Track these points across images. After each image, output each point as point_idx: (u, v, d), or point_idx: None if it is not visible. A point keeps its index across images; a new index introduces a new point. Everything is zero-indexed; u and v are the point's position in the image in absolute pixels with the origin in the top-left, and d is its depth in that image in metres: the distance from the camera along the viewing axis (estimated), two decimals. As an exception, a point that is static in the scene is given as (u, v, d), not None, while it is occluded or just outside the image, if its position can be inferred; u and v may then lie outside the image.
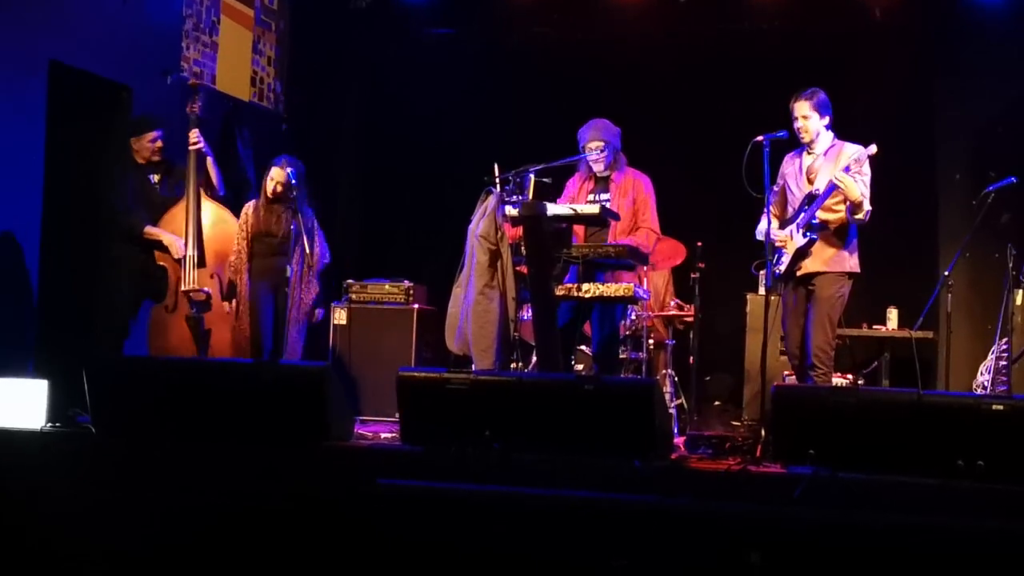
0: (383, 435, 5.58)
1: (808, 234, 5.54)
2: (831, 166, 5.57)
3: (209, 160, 6.58)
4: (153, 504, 4.45)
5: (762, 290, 6.62)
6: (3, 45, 5.98)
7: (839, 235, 5.57)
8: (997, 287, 6.62)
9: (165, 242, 6.41)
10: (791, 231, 5.61)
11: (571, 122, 6.17)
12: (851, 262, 5.60)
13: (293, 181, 6.23)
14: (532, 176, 5.68)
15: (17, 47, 6.06)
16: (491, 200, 5.55)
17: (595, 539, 4.02)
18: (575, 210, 5.65)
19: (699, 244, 7.17)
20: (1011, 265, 6.36)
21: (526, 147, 6.11)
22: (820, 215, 5.55)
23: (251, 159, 7.18)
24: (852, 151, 5.56)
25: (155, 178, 6.64)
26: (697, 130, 8.07)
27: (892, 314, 7.58)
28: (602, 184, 6.03)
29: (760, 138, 5.24)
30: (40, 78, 6.20)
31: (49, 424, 4.95)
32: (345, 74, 8.95)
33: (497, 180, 5.61)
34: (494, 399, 4.59)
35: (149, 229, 6.44)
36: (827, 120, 5.65)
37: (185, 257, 6.35)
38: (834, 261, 5.56)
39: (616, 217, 5.79)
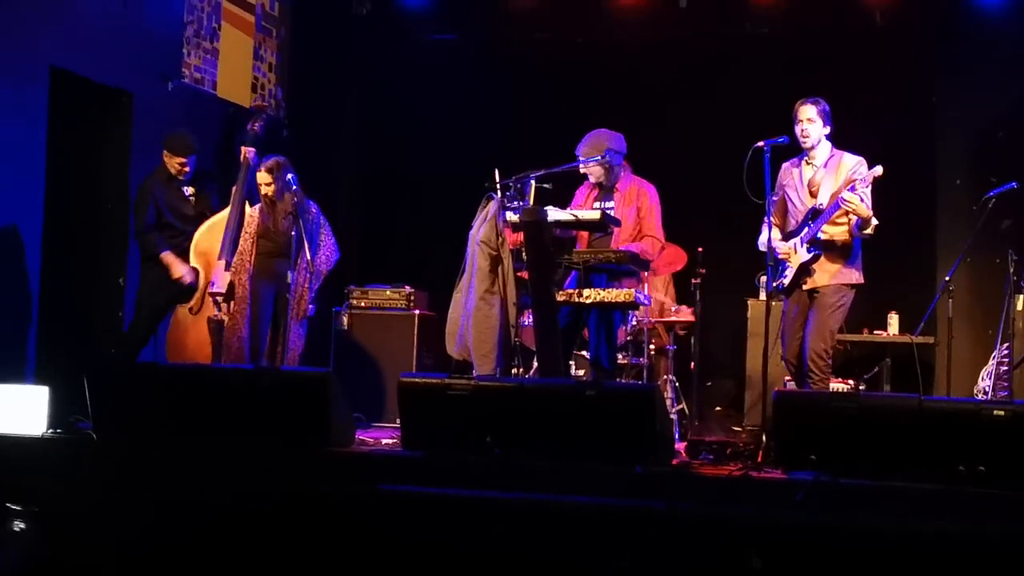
0: (384, 441, 5.56)
1: (812, 249, 5.50)
2: (832, 179, 5.54)
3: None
4: (153, 511, 4.45)
5: (763, 295, 6.61)
6: (4, 51, 6.00)
7: (844, 249, 5.54)
8: (998, 292, 6.62)
9: (173, 273, 6.41)
10: (795, 244, 5.59)
11: (571, 125, 6.17)
12: (855, 275, 5.58)
13: (295, 187, 6.19)
14: (533, 182, 5.68)
15: (18, 52, 6.08)
16: (492, 206, 5.55)
17: (597, 545, 4.02)
18: (576, 216, 5.66)
19: (700, 249, 7.17)
20: (1012, 270, 6.36)
21: (526, 151, 6.11)
22: (825, 229, 5.53)
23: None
24: (851, 162, 5.54)
25: (189, 190, 6.66)
26: (697, 134, 8.07)
27: (893, 319, 7.56)
28: (607, 193, 6.03)
29: (761, 144, 5.22)
30: (41, 83, 6.21)
31: (50, 430, 4.94)
32: (346, 78, 8.95)
33: (498, 186, 5.60)
34: (495, 405, 4.59)
35: (165, 257, 6.44)
36: (828, 130, 5.62)
37: (230, 262, 6.38)
38: (839, 275, 5.53)
39: (617, 223, 5.79)
